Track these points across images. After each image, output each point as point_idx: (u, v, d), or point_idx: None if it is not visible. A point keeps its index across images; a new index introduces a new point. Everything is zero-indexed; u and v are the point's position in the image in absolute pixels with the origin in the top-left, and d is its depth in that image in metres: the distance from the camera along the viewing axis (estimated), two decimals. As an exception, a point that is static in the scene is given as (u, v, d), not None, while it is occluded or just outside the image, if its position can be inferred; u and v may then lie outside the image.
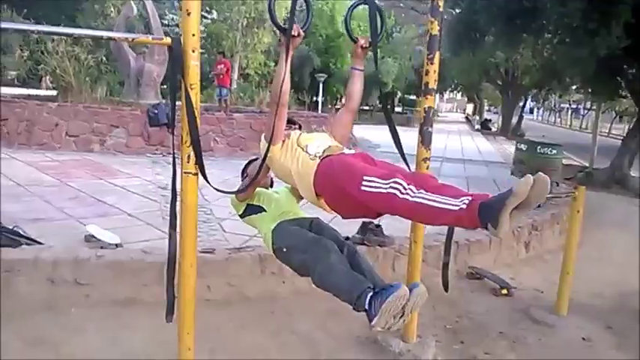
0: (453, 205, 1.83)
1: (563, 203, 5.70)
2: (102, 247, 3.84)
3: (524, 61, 20.11)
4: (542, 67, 17.62)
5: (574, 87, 20.41)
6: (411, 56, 32.42)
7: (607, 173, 10.78)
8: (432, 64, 2.69)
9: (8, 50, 13.92)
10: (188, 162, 2.17)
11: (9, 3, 14.23)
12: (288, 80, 2.41)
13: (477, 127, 30.16)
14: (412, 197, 1.91)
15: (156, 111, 8.98)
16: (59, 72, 10.76)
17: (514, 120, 25.99)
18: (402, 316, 1.99)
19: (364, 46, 2.58)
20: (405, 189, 1.93)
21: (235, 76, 19.77)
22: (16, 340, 2.84)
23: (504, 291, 4.01)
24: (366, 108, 36.70)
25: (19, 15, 13.77)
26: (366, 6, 2.55)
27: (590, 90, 13.36)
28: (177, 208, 2.27)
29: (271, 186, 2.89)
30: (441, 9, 2.69)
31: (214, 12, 24.18)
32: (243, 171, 2.94)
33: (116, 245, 3.95)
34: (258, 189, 2.76)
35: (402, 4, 29.27)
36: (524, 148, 6.23)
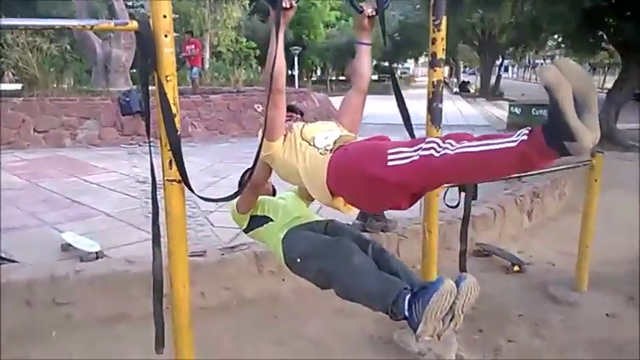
0: (509, 141, 1.47)
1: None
2: (81, 258, 3.52)
3: (502, 20, 19.82)
4: (520, 24, 17.39)
5: (551, 43, 20.26)
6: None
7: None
8: (438, 31, 2.37)
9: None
10: (170, 168, 1.85)
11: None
12: (283, 61, 2.06)
13: (456, 90, 29.93)
14: (454, 150, 1.55)
15: (127, 99, 8.54)
16: (22, 65, 10.16)
17: (492, 80, 25.83)
18: (452, 318, 1.64)
19: (371, 15, 2.23)
20: (441, 146, 1.58)
21: (207, 55, 19.11)
22: (-8, 375, 2.54)
23: (516, 268, 3.79)
24: (343, 78, 36.25)
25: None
26: None
27: (570, 45, 13.18)
28: (161, 219, 1.97)
29: (274, 194, 2.58)
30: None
31: (179, -12, 23.34)
32: (241, 179, 2.62)
33: (96, 254, 3.62)
34: (261, 197, 2.45)
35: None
36: (518, 112, 6.01)
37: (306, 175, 2.09)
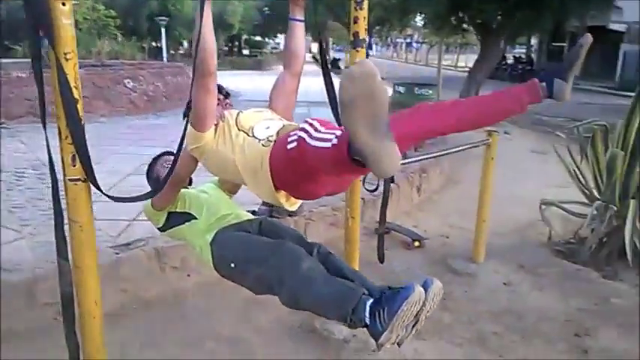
0: (328, 140, 1.45)
1: (442, 141, 5.75)
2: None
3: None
4: (388, 4, 18.04)
5: (417, 23, 21.41)
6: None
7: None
8: (361, 9, 2.27)
9: None
10: (74, 165, 1.55)
11: None
12: (213, 39, 1.82)
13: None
14: (311, 139, 1.51)
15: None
16: None
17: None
18: (415, 324, 1.58)
19: None
20: (307, 129, 1.55)
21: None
22: None
23: (416, 243, 3.91)
24: (212, 52, 34.98)
25: None
26: None
27: (434, 26, 13.98)
28: (66, 227, 1.66)
29: (190, 184, 2.31)
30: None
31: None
32: (149, 170, 2.31)
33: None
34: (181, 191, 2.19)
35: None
36: (402, 91, 6.21)
37: (245, 169, 1.88)
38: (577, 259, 3.69)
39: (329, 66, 2.29)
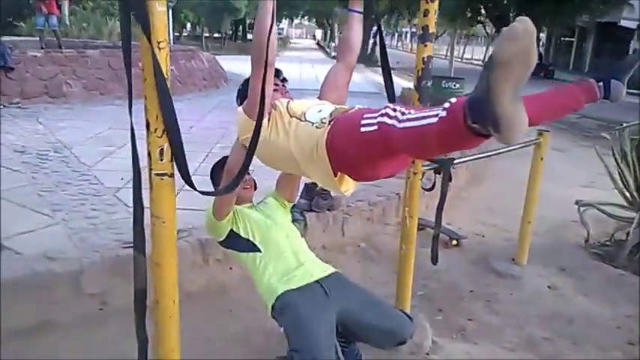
0: (431, 116, 1.34)
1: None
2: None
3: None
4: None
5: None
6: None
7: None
8: (432, 1, 2.17)
9: None
10: (161, 159, 1.48)
11: None
12: (275, 29, 1.75)
13: (334, 54, 30.15)
14: (400, 123, 1.43)
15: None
16: None
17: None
18: None
19: None
20: (391, 115, 1.47)
21: (66, 2, 16.95)
22: None
23: (454, 242, 3.86)
24: (217, 36, 34.79)
25: None
26: None
27: (449, 17, 13.87)
28: (146, 221, 1.60)
29: (254, 188, 2.30)
30: None
31: None
32: (215, 176, 2.26)
33: (-2, 247, 2.98)
34: (238, 208, 2.16)
35: None
36: (429, 84, 6.11)
37: (301, 154, 1.82)
38: (615, 262, 3.64)
39: (387, 55, 2.22)
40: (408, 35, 52.08)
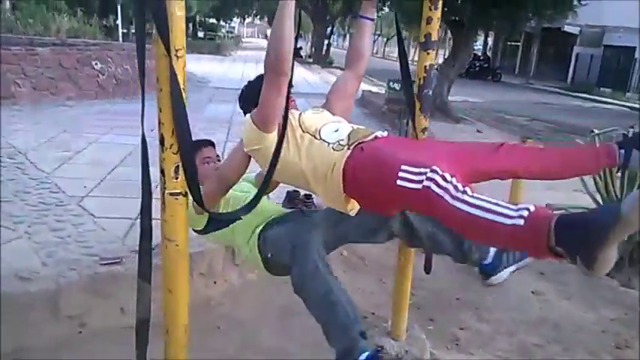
0: (506, 217, 1.30)
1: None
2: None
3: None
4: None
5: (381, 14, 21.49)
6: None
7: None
8: (435, 9, 2.13)
9: None
10: (176, 177, 1.36)
11: None
12: (292, 36, 1.67)
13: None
14: (453, 200, 1.39)
15: None
16: None
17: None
18: None
19: None
20: (441, 185, 1.42)
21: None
22: None
23: (435, 248, 3.85)
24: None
25: None
26: None
27: (406, 21, 14.01)
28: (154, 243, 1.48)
29: None
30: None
31: None
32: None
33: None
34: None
35: None
36: (397, 87, 6.14)
37: (315, 174, 1.75)
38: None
39: (405, 50, 2.20)
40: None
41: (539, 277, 3.51)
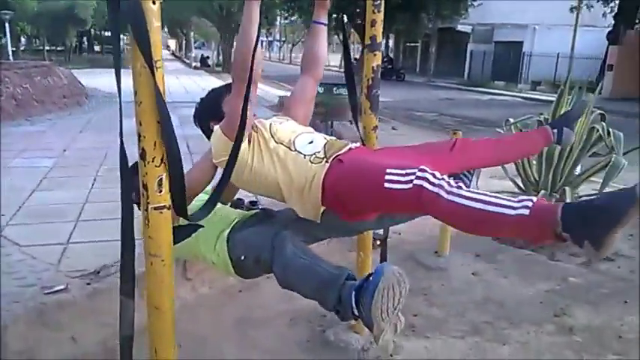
0: (508, 208, 1.39)
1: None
2: None
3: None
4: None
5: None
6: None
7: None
8: (378, 12, 2.22)
9: None
10: (160, 190, 1.34)
11: None
12: (257, 42, 1.67)
13: (195, 64, 29.33)
14: (448, 196, 1.46)
15: None
16: None
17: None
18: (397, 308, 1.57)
19: None
20: (433, 182, 1.49)
21: None
22: None
23: (378, 242, 3.96)
24: (60, 49, 32.12)
25: None
26: None
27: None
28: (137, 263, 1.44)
29: None
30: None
31: None
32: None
33: None
34: None
35: None
36: (321, 91, 6.21)
37: (290, 186, 1.77)
38: (516, 243, 4.02)
39: (351, 57, 2.27)
40: (265, 44, 52.76)
41: (476, 259, 3.73)
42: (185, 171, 1.42)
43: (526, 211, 1.35)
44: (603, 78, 17.11)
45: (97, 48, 38.33)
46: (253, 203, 3.51)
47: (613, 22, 19.15)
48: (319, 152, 1.78)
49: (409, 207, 1.64)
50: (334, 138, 1.93)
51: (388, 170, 1.56)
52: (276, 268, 1.81)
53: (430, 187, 1.46)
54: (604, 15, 20.03)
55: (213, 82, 18.62)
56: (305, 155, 1.78)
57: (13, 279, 2.94)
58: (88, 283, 2.62)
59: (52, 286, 2.57)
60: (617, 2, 19.29)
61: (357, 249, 2.58)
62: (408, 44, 31.66)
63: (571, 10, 19.68)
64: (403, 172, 1.52)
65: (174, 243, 1.99)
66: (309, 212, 1.80)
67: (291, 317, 2.84)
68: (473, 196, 1.42)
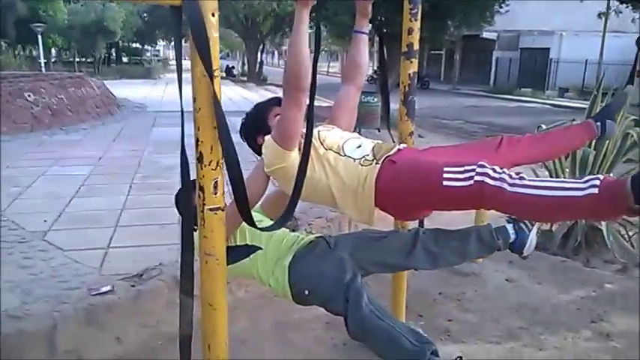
0: (577, 190, 1.42)
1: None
2: None
3: (263, 8, 20.54)
4: (283, 14, 18.28)
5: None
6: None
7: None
8: (415, 20, 2.27)
9: None
10: (215, 192, 1.40)
11: None
12: (308, 52, 1.73)
13: (222, 74, 29.62)
14: (512, 187, 1.50)
15: None
16: None
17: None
18: None
19: None
20: (494, 176, 1.53)
21: None
22: None
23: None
24: (90, 60, 32.91)
25: None
26: None
27: (336, 34, 14.42)
28: (196, 265, 1.50)
29: None
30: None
31: None
32: (178, 202, 2.11)
33: None
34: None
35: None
36: (371, 100, 6.33)
37: (343, 190, 1.82)
38: (549, 250, 4.00)
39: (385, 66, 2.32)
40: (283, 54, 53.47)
41: (509, 265, 3.72)
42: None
43: (595, 190, 1.37)
44: (633, 84, 16.78)
45: (125, 59, 39.11)
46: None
47: (643, 27, 18.79)
48: (368, 155, 1.83)
49: (470, 203, 1.68)
50: (381, 141, 1.98)
51: (446, 169, 1.60)
52: (351, 323, 1.85)
53: (492, 182, 1.49)
54: (633, 20, 19.67)
55: (239, 91, 18.88)
56: (355, 159, 1.83)
57: (58, 282, 3.06)
58: (133, 286, 2.71)
59: (98, 287, 2.67)
60: (646, 7, 18.95)
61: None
62: (432, 52, 31.55)
63: (599, 15, 19.40)
64: (461, 169, 1.56)
65: (229, 263, 2.07)
66: (363, 215, 1.84)
67: (327, 321, 2.87)
68: (537, 185, 1.45)
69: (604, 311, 3.04)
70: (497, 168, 1.53)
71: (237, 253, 2.04)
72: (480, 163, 1.55)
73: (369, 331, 1.81)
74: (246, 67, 27.60)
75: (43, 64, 19.54)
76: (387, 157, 1.81)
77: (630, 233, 3.90)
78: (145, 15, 33.17)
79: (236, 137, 2.17)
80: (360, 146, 1.89)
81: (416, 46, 2.32)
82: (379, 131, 7.24)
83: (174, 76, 1.44)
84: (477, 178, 1.52)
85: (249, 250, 2.05)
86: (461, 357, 1.73)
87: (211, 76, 1.30)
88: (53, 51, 36.70)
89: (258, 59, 26.53)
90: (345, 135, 1.99)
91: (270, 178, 1.97)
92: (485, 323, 2.97)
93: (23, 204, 4.63)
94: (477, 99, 21.39)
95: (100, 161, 6.53)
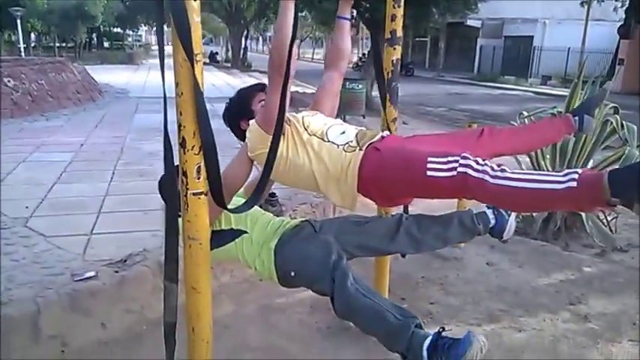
0: (556, 183, 1.45)
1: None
2: None
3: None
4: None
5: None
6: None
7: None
8: (399, 7, 2.28)
9: None
10: (198, 177, 1.41)
11: None
12: (292, 36, 1.73)
13: (205, 60, 29.38)
14: (494, 179, 1.53)
15: None
16: None
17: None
18: None
19: None
20: (477, 168, 1.56)
21: None
22: None
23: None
24: (71, 45, 32.33)
25: None
26: None
27: (320, 20, 14.37)
28: (181, 251, 1.51)
29: None
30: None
31: None
32: (161, 188, 2.09)
33: None
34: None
35: None
36: (356, 87, 6.32)
37: (326, 176, 1.84)
38: (530, 235, 4.07)
39: (380, 52, 2.34)
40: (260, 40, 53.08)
41: (490, 249, 3.78)
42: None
43: (573, 183, 1.41)
44: (614, 72, 17.02)
45: (106, 44, 38.47)
46: (272, 195, 3.60)
47: (624, 16, 19.02)
48: (352, 141, 1.85)
49: (453, 193, 1.72)
50: (364, 128, 2.00)
51: (429, 159, 1.63)
52: (337, 303, 1.87)
53: (475, 174, 1.52)
54: (615, 9, 19.88)
55: (222, 77, 18.72)
56: (338, 145, 1.84)
57: (41, 268, 3.03)
58: (116, 271, 2.70)
59: (82, 273, 2.66)
60: (628, -4, 19.16)
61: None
62: (416, 39, 31.56)
63: (582, 4, 19.57)
64: (445, 159, 1.58)
65: (213, 248, 2.08)
66: (346, 200, 1.86)
67: (311, 305, 2.91)
68: (519, 177, 1.49)
69: (582, 294, 3.12)
70: (479, 160, 1.55)
71: (222, 237, 2.05)
72: (463, 154, 1.58)
73: (355, 309, 1.84)
74: (230, 53, 27.33)
75: (22, 49, 19.15)
76: (370, 144, 1.83)
77: (609, 218, 3.98)
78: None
79: (220, 123, 2.19)
80: (343, 132, 1.90)
81: (399, 33, 2.34)
82: (364, 118, 7.27)
83: (157, 61, 1.44)
84: (460, 169, 1.55)
85: (235, 234, 2.06)
86: (444, 328, 1.77)
87: (192, 61, 1.30)
88: (33, 36, 35.98)
89: (242, 45, 26.30)
90: (329, 121, 2.01)
91: (254, 163, 1.98)
92: (466, 306, 3.03)
93: (4, 191, 4.56)
94: (461, 86, 21.49)
95: (82, 148, 6.45)
